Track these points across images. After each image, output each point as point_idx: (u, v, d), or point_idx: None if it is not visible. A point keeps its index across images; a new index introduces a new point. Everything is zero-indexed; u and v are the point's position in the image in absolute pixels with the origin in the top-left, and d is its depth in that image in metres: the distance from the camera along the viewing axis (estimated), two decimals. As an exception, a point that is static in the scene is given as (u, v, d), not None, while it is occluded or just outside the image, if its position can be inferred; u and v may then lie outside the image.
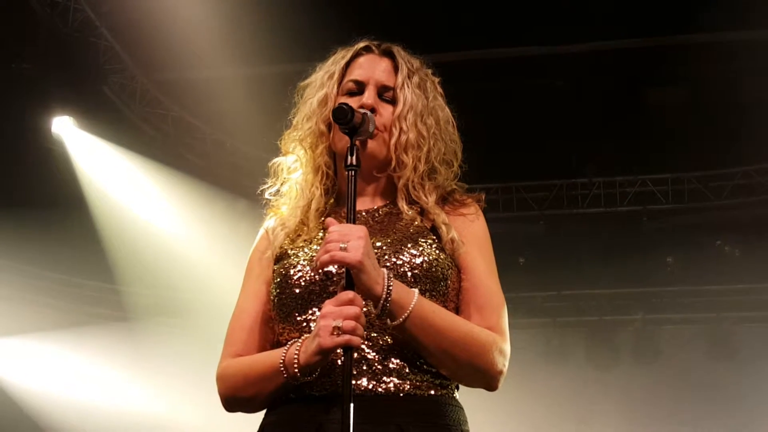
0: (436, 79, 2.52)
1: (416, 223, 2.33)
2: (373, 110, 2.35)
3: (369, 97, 2.38)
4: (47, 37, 8.57)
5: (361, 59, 2.46)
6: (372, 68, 2.43)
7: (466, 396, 2.34)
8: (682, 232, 10.33)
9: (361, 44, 2.48)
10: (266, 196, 2.51)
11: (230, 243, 8.86)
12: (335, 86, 2.43)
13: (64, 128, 9.33)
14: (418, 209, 2.37)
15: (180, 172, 9.84)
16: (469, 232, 2.37)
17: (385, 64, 2.44)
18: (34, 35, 8.56)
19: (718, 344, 11.02)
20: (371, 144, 2.32)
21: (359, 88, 2.41)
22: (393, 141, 2.36)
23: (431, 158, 2.39)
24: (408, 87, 2.40)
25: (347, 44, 2.51)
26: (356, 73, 2.43)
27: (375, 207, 2.41)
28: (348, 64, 2.46)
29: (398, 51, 2.47)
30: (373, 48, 2.47)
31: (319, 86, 2.45)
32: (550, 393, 10.96)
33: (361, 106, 2.34)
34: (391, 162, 2.37)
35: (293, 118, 2.50)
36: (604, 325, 11.27)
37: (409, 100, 2.38)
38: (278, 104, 2.61)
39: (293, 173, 2.46)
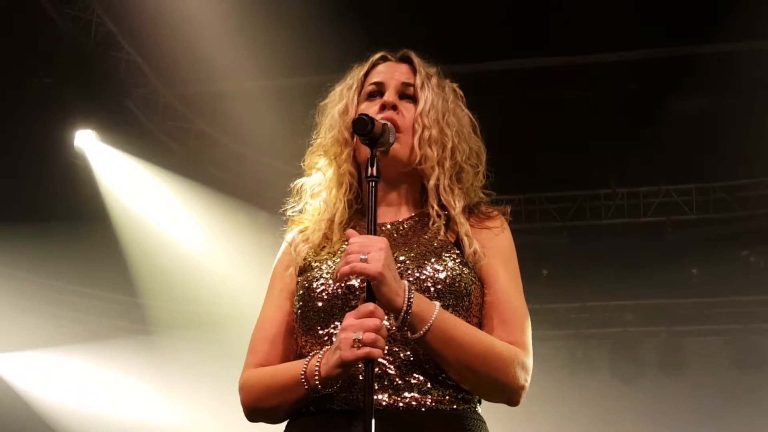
0: (455, 85, 2.52)
1: (440, 237, 2.32)
2: (394, 107, 2.36)
3: (390, 95, 2.39)
4: (70, 52, 8.63)
5: (379, 67, 2.48)
6: (391, 72, 2.45)
7: (488, 410, 2.31)
8: (707, 243, 10.24)
9: (378, 55, 2.50)
10: (289, 214, 2.51)
11: (252, 256, 8.86)
12: (355, 95, 2.44)
13: (87, 142, 9.40)
14: (445, 219, 2.35)
15: (202, 185, 9.87)
16: (494, 245, 2.35)
17: (403, 68, 2.46)
18: (56, 49, 8.62)
19: (745, 356, 10.94)
20: (394, 146, 2.31)
21: (379, 89, 2.42)
22: (416, 137, 2.35)
23: (456, 157, 2.39)
24: (428, 87, 2.41)
25: (367, 56, 2.52)
26: (375, 77, 2.45)
27: (400, 219, 2.39)
28: (366, 75, 2.47)
29: (415, 56, 2.48)
30: (390, 57, 2.50)
31: (339, 98, 2.46)
32: (574, 405, 10.90)
33: (383, 105, 2.35)
34: (415, 159, 2.35)
35: (315, 138, 2.50)
36: (629, 337, 11.21)
37: (430, 99, 2.39)
38: (299, 116, 2.60)
39: (316, 197, 2.46)
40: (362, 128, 2.17)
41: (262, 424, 2.34)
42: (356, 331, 1.99)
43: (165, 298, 10.55)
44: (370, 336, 1.97)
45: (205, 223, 10.08)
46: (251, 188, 9.96)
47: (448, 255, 2.27)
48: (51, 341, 10.31)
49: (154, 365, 10.54)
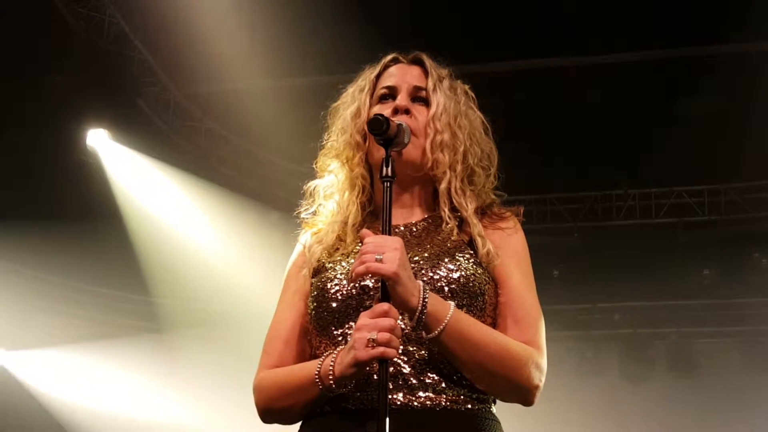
0: (466, 86, 2.51)
1: (453, 237, 2.31)
2: (407, 111, 2.36)
3: (402, 99, 2.38)
4: (82, 51, 8.65)
5: (391, 69, 2.47)
6: (403, 74, 2.44)
7: (503, 410, 2.31)
8: (719, 245, 10.22)
9: (389, 57, 2.50)
10: (303, 216, 2.50)
11: (262, 254, 8.89)
12: (367, 98, 2.43)
13: (99, 141, 9.43)
14: (458, 220, 2.35)
15: (212, 184, 9.90)
16: (507, 245, 2.34)
17: (415, 70, 2.45)
18: (69, 48, 8.64)
19: (754, 358, 10.92)
20: (407, 149, 2.31)
21: (392, 92, 2.41)
22: (428, 141, 2.35)
23: (468, 160, 2.38)
24: (440, 90, 2.40)
25: (378, 56, 2.52)
26: (388, 80, 2.44)
27: (413, 221, 2.39)
28: (378, 77, 2.47)
29: (427, 58, 2.48)
30: (402, 58, 2.49)
31: (351, 101, 2.46)
32: (584, 406, 10.89)
33: (395, 109, 2.35)
34: (427, 163, 2.35)
35: (327, 140, 2.49)
36: (639, 339, 11.20)
37: (442, 102, 2.38)
38: (310, 116, 2.60)
39: (329, 199, 2.45)
40: (377, 128, 2.16)
41: (275, 424, 2.34)
42: (371, 330, 1.99)
43: (176, 296, 10.57)
44: (385, 336, 1.97)
45: (216, 221, 10.10)
46: (261, 187, 9.99)
47: (461, 255, 2.27)
48: (62, 339, 10.34)
49: (165, 363, 10.56)
